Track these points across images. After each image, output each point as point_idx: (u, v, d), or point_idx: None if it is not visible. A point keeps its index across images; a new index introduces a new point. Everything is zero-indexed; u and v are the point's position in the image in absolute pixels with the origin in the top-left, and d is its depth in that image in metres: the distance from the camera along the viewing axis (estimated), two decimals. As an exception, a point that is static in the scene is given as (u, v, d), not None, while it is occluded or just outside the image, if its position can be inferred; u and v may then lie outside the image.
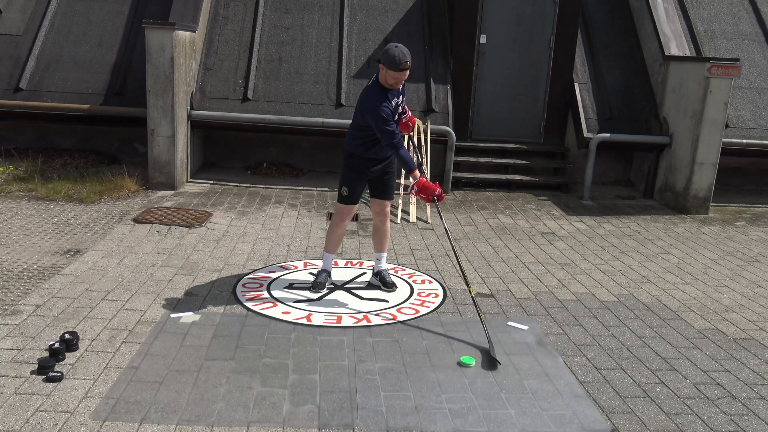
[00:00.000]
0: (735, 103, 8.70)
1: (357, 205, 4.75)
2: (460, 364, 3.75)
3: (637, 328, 4.44)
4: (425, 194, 4.38)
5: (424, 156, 7.53)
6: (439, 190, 4.37)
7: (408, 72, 4.27)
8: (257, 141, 8.74)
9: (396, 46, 4.21)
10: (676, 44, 8.61)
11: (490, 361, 3.80)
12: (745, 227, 7.46)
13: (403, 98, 4.50)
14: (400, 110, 4.47)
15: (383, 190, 4.72)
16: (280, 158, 8.88)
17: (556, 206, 7.83)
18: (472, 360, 3.79)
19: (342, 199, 4.67)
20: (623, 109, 8.76)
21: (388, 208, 4.80)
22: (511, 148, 8.75)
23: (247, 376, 3.50)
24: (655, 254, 6.21)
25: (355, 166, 4.56)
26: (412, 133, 7.28)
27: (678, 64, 8.27)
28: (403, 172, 7.36)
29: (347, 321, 4.28)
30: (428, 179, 4.43)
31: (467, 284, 4.36)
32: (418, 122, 7.76)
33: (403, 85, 4.50)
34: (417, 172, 4.37)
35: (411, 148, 7.28)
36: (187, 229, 6.05)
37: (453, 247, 4.53)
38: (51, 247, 5.40)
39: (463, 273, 4.46)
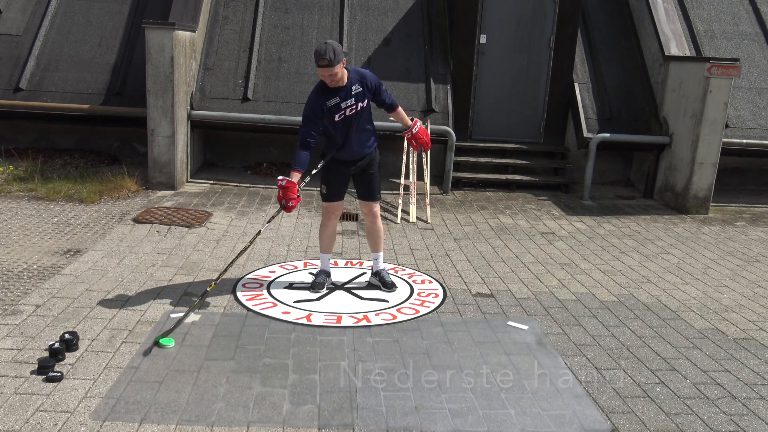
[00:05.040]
0: (735, 103, 8.69)
1: (340, 203, 4.73)
2: (159, 345, 3.71)
3: (637, 328, 4.44)
4: (280, 197, 4.25)
5: (424, 156, 7.53)
6: (293, 203, 4.23)
7: (329, 69, 4.12)
8: (257, 141, 8.75)
9: (325, 43, 4.15)
10: (676, 44, 8.61)
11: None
12: (745, 227, 7.46)
13: (358, 103, 4.35)
14: (348, 112, 4.35)
15: (367, 191, 4.72)
16: (280, 158, 8.89)
17: (556, 206, 7.83)
18: (171, 341, 3.76)
19: (323, 197, 4.70)
20: (623, 109, 8.76)
21: (376, 209, 4.79)
22: (511, 148, 8.75)
23: (247, 376, 3.50)
24: (655, 254, 6.21)
25: (328, 164, 4.57)
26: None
27: (678, 64, 8.27)
28: (407, 173, 7.40)
29: (347, 321, 4.28)
30: (299, 188, 4.27)
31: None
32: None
33: (364, 90, 4.36)
34: (293, 173, 4.25)
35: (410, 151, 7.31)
36: (187, 229, 6.05)
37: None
38: (51, 247, 5.40)
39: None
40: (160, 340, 3.74)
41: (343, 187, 4.71)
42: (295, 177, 4.25)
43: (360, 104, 4.38)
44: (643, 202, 8.37)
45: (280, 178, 4.26)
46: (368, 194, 4.73)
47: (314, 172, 4.49)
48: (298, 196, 4.27)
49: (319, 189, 4.72)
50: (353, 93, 4.34)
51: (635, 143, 8.54)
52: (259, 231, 4.56)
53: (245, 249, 4.55)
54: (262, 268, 5.20)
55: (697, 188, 7.83)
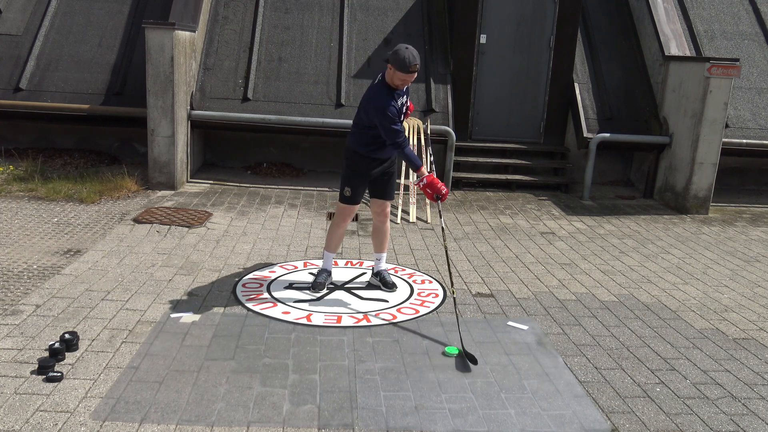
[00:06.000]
0: (735, 103, 8.70)
1: (357, 206, 4.75)
2: (446, 354, 3.86)
3: (637, 328, 4.44)
4: (431, 190, 4.37)
5: (424, 156, 7.53)
6: (445, 190, 4.38)
7: (415, 74, 4.28)
8: (257, 141, 8.75)
9: (406, 48, 4.20)
10: (676, 44, 8.61)
11: (465, 361, 3.81)
12: (745, 227, 7.46)
13: (407, 98, 4.53)
14: (404, 110, 4.51)
15: (384, 190, 4.72)
16: (280, 158, 8.89)
17: (556, 206, 7.83)
18: (456, 350, 3.89)
19: (344, 200, 4.66)
20: (623, 109, 8.76)
21: (389, 209, 4.81)
22: (511, 148, 8.75)
23: (247, 376, 3.50)
24: (655, 254, 6.21)
25: (357, 166, 4.56)
26: (412, 132, 7.31)
27: (678, 64, 8.27)
28: (406, 172, 7.40)
29: (347, 321, 4.28)
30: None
31: (451, 284, 4.43)
32: (418, 122, 7.77)
33: (407, 87, 4.53)
34: (424, 170, 4.39)
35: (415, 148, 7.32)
36: (187, 229, 6.05)
37: (446, 250, 4.51)
38: (51, 247, 5.40)
39: (450, 273, 4.49)
40: (447, 349, 3.89)
41: (363, 192, 4.73)
42: (425, 170, 4.40)
43: (409, 100, 4.57)
44: (643, 202, 8.37)
45: (415, 182, 4.47)
46: (385, 193, 4.72)
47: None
48: (442, 182, 4.47)
49: (341, 191, 4.68)
50: (404, 91, 4.46)
51: (635, 143, 8.54)
52: (442, 228, 4.56)
53: (446, 249, 4.49)
54: (262, 268, 5.20)
55: (697, 188, 7.83)
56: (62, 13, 8.70)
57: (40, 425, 2.96)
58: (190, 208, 6.73)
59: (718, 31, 9.34)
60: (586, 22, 9.34)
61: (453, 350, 3.89)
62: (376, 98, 4.30)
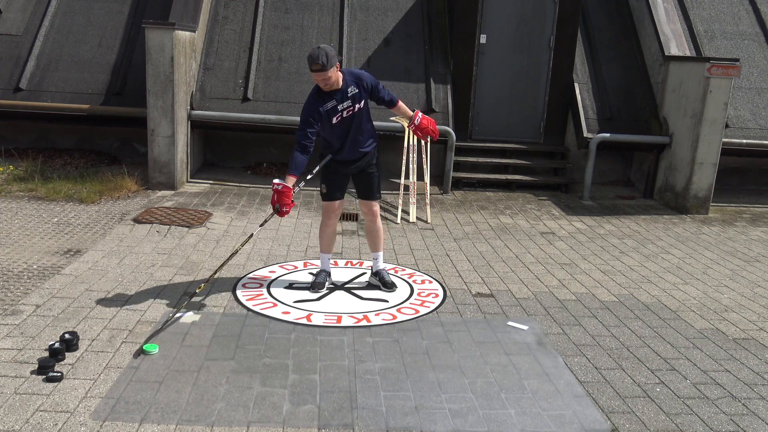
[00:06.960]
0: (735, 103, 8.70)
1: (340, 202, 4.72)
2: (143, 352, 3.66)
3: (637, 328, 4.44)
4: (277, 198, 4.23)
5: (424, 156, 7.53)
6: (287, 208, 4.23)
7: (322, 74, 4.14)
8: (257, 141, 8.75)
9: (318, 47, 4.15)
10: (676, 44, 8.61)
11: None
12: (745, 227, 7.46)
13: (356, 104, 4.37)
14: (345, 114, 4.37)
15: (366, 190, 4.72)
16: (280, 158, 8.89)
17: (556, 206, 7.83)
18: (155, 347, 3.71)
19: (323, 196, 4.70)
20: (623, 109, 8.76)
21: (376, 208, 4.79)
22: (511, 148, 8.75)
23: (247, 376, 3.50)
24: (655, 254, 6.21)
25: (327, 164, 4.59)
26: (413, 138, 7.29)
27: (678, 64, 8.27)
28: (405, 172, 7.40)
29: (347, 321, 4.28)
30: (294, 192, 4.26)
31: (207, 280, 4.36)
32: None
33: (360, 91, 4.38)
34: (289, 178, 4.25)
35: (413, 149, 7.31)
36: (187, 229, 6.05)
37: (234, 252, 4.33)
38: (51, 247, 5.40)
39: (218, 269, 4.42)
40: (144, 347, 3.69)
41: (343, 187, 4.71)
42: (291, 181, 4.26)
43: (357, 105, 4.40)
44: (643, 202, 8.37)
45: (276, 181, 4.26)
46: (368, 193, 4.73)
47: (309, 177, 4.49)
48: (293, 202, 4.28)
49: (319, 189, 4.72)
50: (349, 95, 4.36)
51: (635, 143, 8.54)
52: (251, 234, 4.55)
53: (236, 252, 4.51)
54: (262, 268, 5.20)
55: (697, 188, 7.83)
56: (62, 13, 8.70)
57: (40, 425, 2.96)
58: (190, 208, 6.73)
59: (718, 31, 9.34)
60: (586, 22, 9.34)
61: (152, 347, 3.71)
62: (308, 96, 4.36)
